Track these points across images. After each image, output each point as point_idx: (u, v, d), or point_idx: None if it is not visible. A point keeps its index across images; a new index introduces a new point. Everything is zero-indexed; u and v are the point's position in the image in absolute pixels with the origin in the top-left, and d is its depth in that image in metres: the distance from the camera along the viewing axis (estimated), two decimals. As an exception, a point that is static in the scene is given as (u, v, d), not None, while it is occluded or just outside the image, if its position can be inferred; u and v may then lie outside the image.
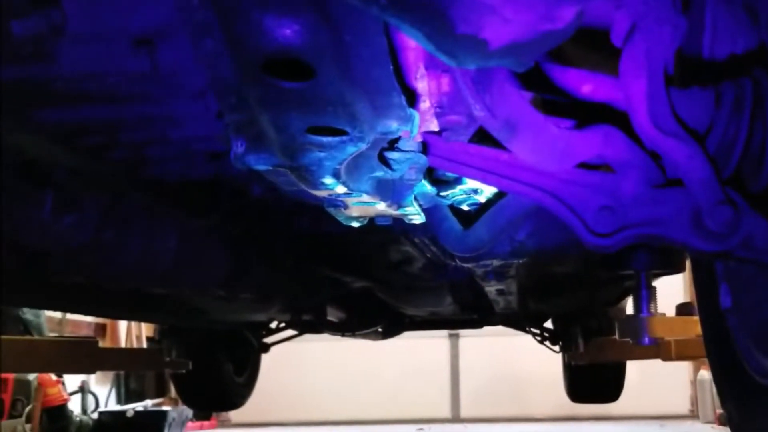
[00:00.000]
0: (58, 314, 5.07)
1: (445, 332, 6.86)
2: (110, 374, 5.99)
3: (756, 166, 1.12)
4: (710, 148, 1.08)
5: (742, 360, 1.42)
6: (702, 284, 1.60)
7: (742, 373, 1.42)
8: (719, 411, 5.20)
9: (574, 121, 1.08)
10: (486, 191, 1.37)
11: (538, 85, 1.03)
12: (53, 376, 4.41)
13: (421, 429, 5.34)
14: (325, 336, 3.44)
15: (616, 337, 1.89)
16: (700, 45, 1.13)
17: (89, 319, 5.69)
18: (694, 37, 1.12)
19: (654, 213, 1.10)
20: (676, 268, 1.59)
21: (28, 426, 4.16)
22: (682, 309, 2.50)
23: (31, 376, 4.30)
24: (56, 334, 4.86)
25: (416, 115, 0.95)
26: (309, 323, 3.04)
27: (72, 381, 5.02)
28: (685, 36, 1.01)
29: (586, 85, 1.06)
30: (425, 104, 0.98)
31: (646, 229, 1.12)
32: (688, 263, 1.68)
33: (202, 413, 6.00)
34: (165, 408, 5.58)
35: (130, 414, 5.13)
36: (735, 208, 1.06)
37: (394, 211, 1.33)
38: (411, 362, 6.85)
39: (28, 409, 4.22)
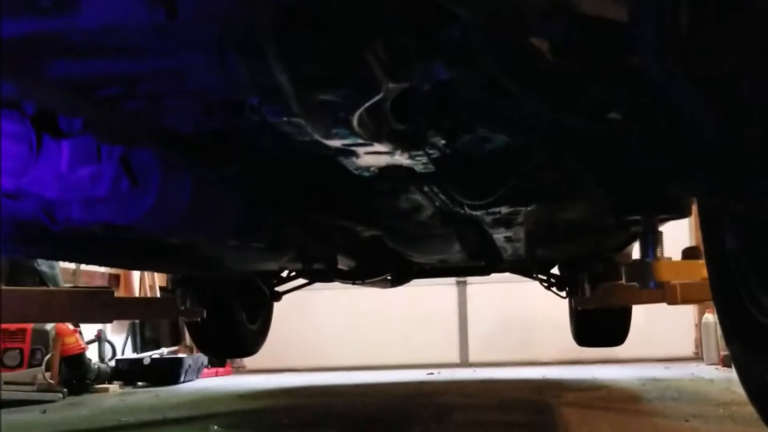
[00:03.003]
0: (72, 265, 5.12)
1: (452, 279, 6.92)
2: (126, 323, 6.06)
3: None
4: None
5: (747, 301, 1.45)
6: (708, 227, 1.62)
7: (747, 314, 1.45)
8: (723, 353, 5.27)
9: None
10: (495, 139, 1.38)
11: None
12: (70, 326, 4.48)
13: (431, 373, 5.43)
14: (336, 284, 3.49)
15: (623, 281, 1.91)
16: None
17: (102, 269, 5.75)
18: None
19: None
20: (681, 213, 1.60)
21: (47, 374, 4.25)
22: (689, 253, 2.51)
23: (49, 326, 4.37)
24: (71, 285, 4.93)
25: (429, 66, 0.96)
26: (320, 272, 3.07)
27: (89, 330, 5.10)
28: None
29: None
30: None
31: None
32: (694, 207, 1.70)
33: (217, 360, 6.10)
34: (181, 355, 5.68)
35: (146, 361, 5.23)
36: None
37: (405, 161, 1.35)
38: (420, 309, 6.92)
39: (47, 358, 4.31)
